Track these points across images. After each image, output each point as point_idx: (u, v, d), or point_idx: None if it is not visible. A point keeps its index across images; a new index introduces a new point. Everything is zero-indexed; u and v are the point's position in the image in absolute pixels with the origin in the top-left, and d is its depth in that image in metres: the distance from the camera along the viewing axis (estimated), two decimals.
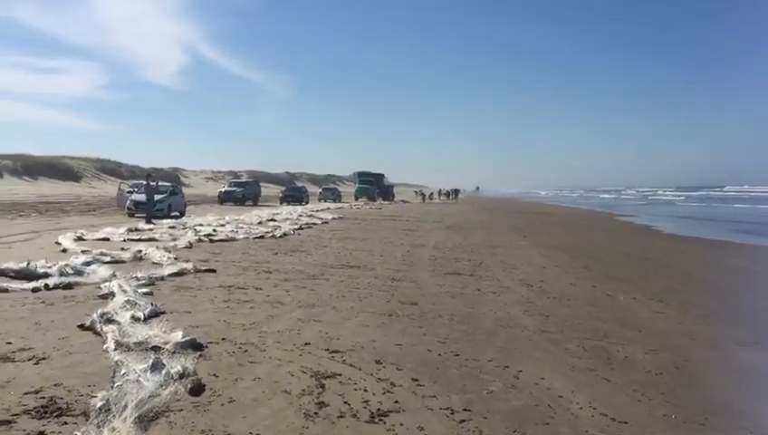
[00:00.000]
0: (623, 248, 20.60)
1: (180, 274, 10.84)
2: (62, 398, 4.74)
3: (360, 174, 76.45)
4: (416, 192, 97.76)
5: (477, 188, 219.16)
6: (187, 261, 12.09)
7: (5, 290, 8.82)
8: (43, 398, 4.73)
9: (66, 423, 4.29)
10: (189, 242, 15.96)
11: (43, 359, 5.72)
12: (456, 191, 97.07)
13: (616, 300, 10.40)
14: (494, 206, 66.36)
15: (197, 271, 11.21)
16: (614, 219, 41.05)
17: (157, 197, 25.65)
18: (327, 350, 6.44)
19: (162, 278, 10.30)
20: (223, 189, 47.43)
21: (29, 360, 5.68)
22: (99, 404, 4.41)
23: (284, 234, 20.20)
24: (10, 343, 6.18)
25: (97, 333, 6.53)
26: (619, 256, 17.91)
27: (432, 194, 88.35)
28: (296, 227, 23.35)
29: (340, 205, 51.14)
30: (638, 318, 8.99)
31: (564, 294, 10.69)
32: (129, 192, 29.13)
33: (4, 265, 10.37)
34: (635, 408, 5.24)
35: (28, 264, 10.38)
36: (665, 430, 4.80)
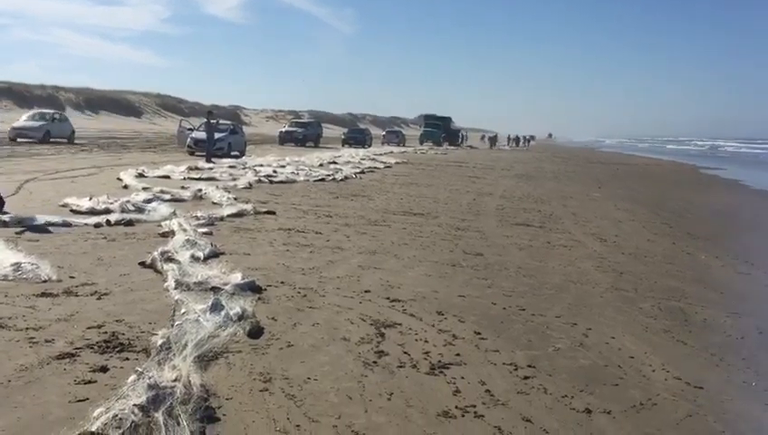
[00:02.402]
0: (708, 204, 19.59)
1: (240, 215, 10.81)
2: (123, 334, 4.76)
3: (427, 117, 75.02)
4: (482, 137, 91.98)
5: (550, 135, 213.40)
6: (247, 202, 12.09)
7: (69, 225, 8.93)
8: (105, 333, 4.76)
9: (128, 359, 4.30)
10: (249, 182, 15.99)
11: (105, 294, 5.76)
12: (524, 138, 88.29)
13: (697, 259, 9.90)
14: (567, 154, 64.27)
15: (257, 212, 11.18)
16: (698, 172, 38.70)
17: (217, 135, 25.39)
18: (387, 298, 6.30)
19: (221, 219, 10.29)
20: (283, 129, 46.48)
21: (92, 295, 5.73)
22: (159, 342, 4.41)
23: (345, 177, 20.09)
24: (73, 277, 6.24)
25: (157, 271, 6.55)
26: (704, 212, 17.10)
27: (497, 137, 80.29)
28: (358, 170, 23.14)
29: (404, 149, 50.61)
30: (721, 279, 8.53)
31: (641, 250, 10.20)
32: (189, 130, 29.11)
33: (68, 200, 10.60)
34: (712, 373, 4.94)
35: (90, 199, 10.56)
36: (743, 398, 4.52)
